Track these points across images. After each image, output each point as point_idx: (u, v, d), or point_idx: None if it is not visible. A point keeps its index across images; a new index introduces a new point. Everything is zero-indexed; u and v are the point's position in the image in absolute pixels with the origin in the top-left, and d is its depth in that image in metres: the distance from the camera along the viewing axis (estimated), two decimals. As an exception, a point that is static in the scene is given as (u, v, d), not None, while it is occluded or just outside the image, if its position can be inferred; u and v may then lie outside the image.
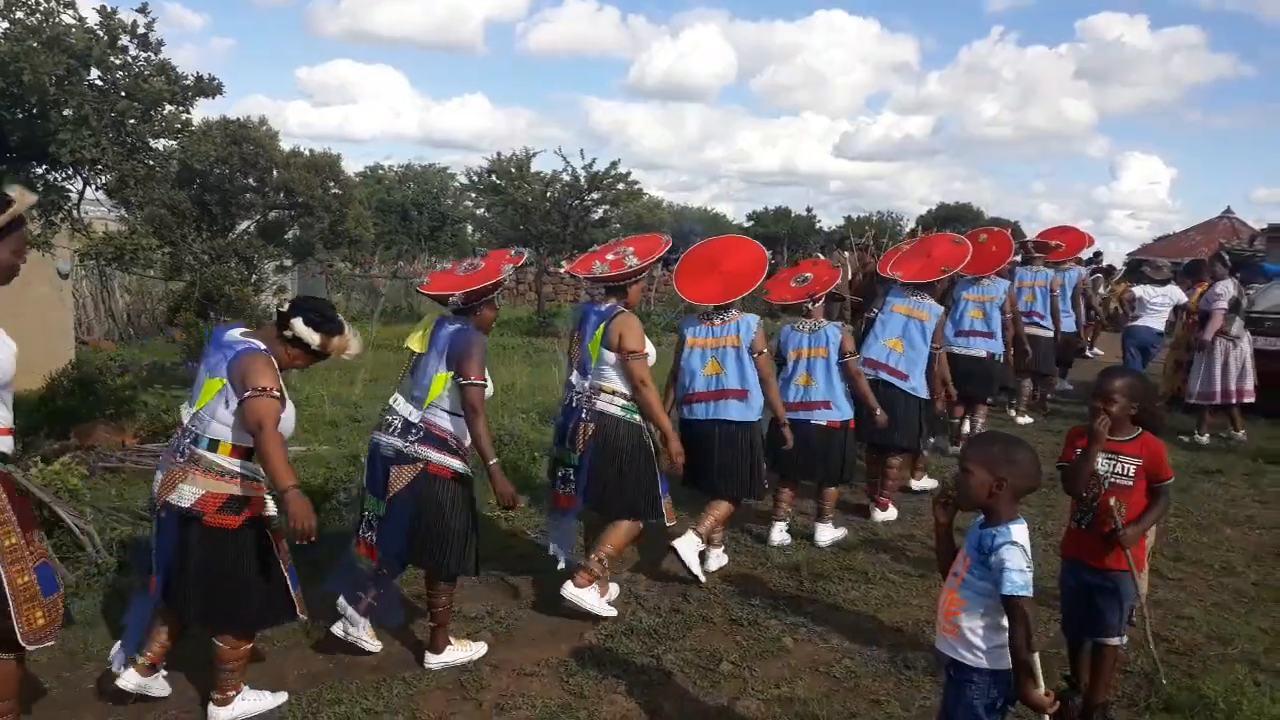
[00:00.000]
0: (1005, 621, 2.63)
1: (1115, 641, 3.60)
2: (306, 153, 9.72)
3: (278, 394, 3.42)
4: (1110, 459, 3.60)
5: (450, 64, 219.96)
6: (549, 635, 4.52)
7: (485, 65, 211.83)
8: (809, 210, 59.79)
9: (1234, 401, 9.17)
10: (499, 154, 18.37)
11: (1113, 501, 3.51)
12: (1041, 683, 2.59)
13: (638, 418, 4.77)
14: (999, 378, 8.28)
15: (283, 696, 3.82)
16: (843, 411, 5.81)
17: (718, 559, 5.46)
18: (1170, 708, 3.77)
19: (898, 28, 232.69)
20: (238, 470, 3.48)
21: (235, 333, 3.62)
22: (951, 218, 44.00)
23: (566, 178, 18.13)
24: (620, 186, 18.13)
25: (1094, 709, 3.64)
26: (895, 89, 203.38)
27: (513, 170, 18.28)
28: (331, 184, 9.90)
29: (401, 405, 4.14)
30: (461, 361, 4.01)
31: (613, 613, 4.72)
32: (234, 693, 3.66)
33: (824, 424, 5.77)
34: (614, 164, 17.99)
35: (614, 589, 4.96)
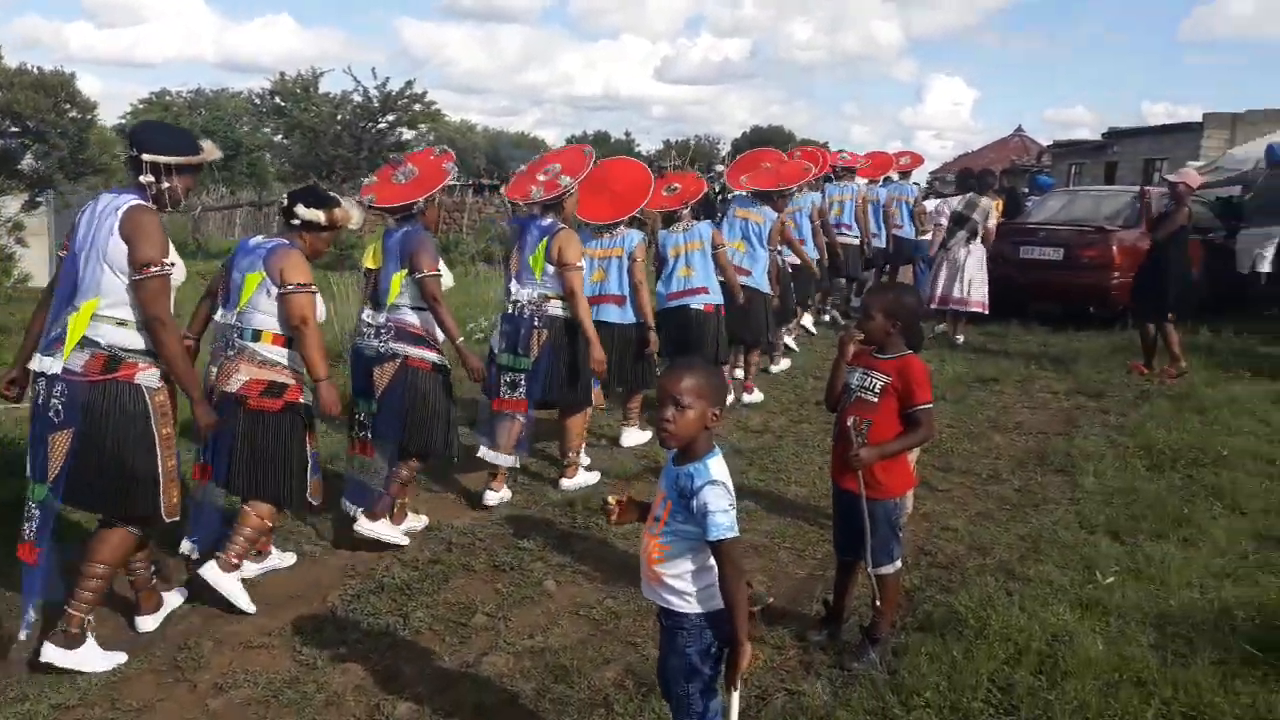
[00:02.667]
0: (714, 561, 2.41)
1: (883, 571, 3.48)
2: (34, 70, 8.58)
3: (313, 288, 3.88)
4: (864, 374, 3.44)
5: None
6: (288, 601, 4.10)
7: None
8: (628, 134, 59.49)
9: (957, 309, 9.72)
10: (282, 74, 17.08)
11: (850, 420, 3.36)
12: (744, 631, 2.40)
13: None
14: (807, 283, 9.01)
15: (292, 558, 4.38)
16: (717, 296, 6.51)
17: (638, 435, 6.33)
18: (925, 626, 3.72)
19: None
20: (279, 360, 3.93)
21: (258, 238, 4.13)
22: (764, 140, 44.47)
23: (358, 99, 17.04)
24: (417, 107, 17.19)
25: (869, 636, 3.53)
26: (712, 11, 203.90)
27: (298, 91, 17.03)
28: (68, 107, 8.80)
29: (368, 314, 4.60)
30: (414, 257, 4.45)
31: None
32: (237, 562, 3.96)
33: (702, 308, 6.45)
34: (409, 83, 17.12)
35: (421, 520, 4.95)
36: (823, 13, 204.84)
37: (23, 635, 3.52)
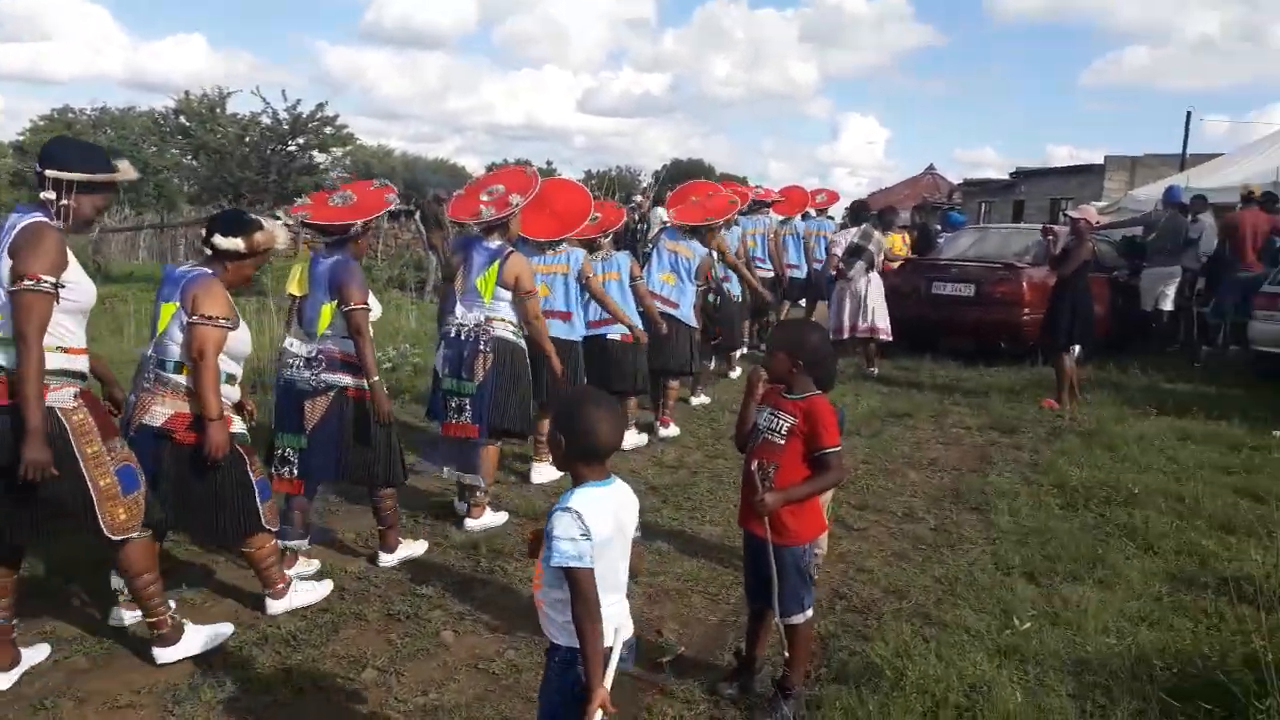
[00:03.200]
0: None
1: (793, 620, 3.30)
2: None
3: (223, 322, 3.72)
4: (771, 414, 3.28)
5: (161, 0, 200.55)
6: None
7: (202, 2, 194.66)
8: (549, 163, 59.44)
9: (862, 338, 9.83)
10: (187, 93, 16.44)
11: (755, 464, 3.20)
12: (605, 669, 2.31)
13: (524, 341, 5.25)
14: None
15: (329, 586, 4.26)
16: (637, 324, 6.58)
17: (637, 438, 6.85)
18: (840, 677, 3.56)
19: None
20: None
21: (185, 266, 3.92)
22: (685, 174, 44.83)
23: (267, 120, 16.53)
24: (328, 130, 16.74)
25: (782, 689, 3.35)
26: (634, 46, 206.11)
27: (204, 111, 16.46)
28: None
29: (296, 346, 4.45)
30: (343, 289, 4.31)
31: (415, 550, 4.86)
32: (282, 584, 4.06)
33: (619, 337, 6.54)
34: (320, 106, 16.64)
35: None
36: (742, 51, 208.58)
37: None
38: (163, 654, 3.64)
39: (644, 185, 26.71)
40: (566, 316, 6.03)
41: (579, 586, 2.27)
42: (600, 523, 2.33)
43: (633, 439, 6.79)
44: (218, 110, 16.65)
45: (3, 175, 29.40)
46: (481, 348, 5.05)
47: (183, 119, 16.71)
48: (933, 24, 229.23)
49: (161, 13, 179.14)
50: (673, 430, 7.32)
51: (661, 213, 10.83)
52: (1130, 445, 6.87)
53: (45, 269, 3.14)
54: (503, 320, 5.12)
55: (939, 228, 14.61)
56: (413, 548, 4.80)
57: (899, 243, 12.05)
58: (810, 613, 3.37)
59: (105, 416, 3.48)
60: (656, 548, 4.88)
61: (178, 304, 3.73)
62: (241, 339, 3.86)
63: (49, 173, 3.25)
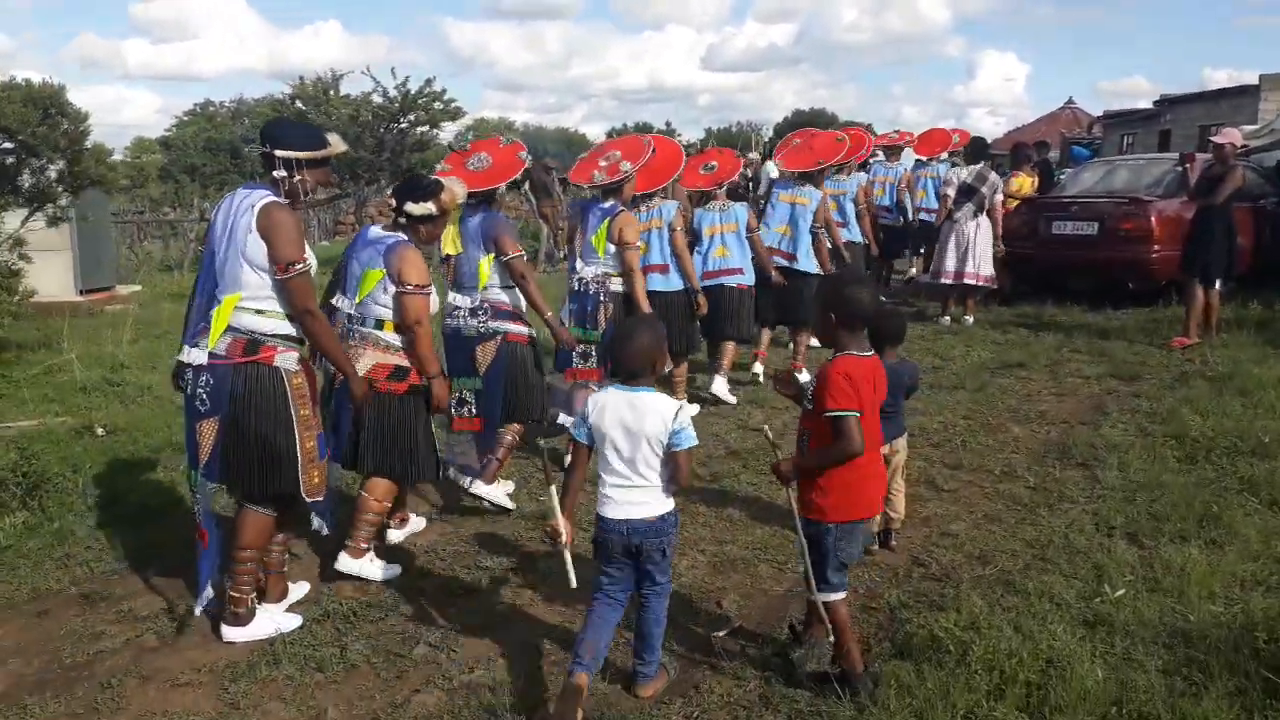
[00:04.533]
0: None
1: (827, 598, 3.09)
2: (23, 84, 8.46)
3: (427, 289, 4.05)
4: (812, 379, 3.06)
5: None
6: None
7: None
8: (668, 124, 59.08)
9: (965, 284, 9.31)
10: (301, 78, 16.89)
11: (767, 428, 3.02)
12: None
13: None
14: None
15: (397, 569, 4.26)
16: (750, 278, 6.73)
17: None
18: (904, 651, 3.32)
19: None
20: (401, 345, 4.10)
21: (376, 229, 4.23)
22: (807, 123, 43.76)
23: (378, 99, 16.83)
24: (437, 105, 16.93)
25: (844, 676, 3.13)
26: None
27: (318, 95, 16.88)
28: (60, 119, 8.67)
29: (459, 299, 4.83)
30: (499, 241, 4.69)
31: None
32: (366, 547, 4.18)
33: (736, 286, 6.67)
34: (428, 82, 16.78)
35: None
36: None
37: (197, 610, 3.77)
38: (231, 633, 3.70)
39: (765, 140, 26.07)
40: (664, 270, 6.19)
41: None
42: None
43: (723, 390, 6.82)
44: (330, 93, 17.07)
45: (152, 170, 31.13)
46: (602, 299, 5.47)
47: (299, 104, 17.19)
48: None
49: (299, 1, 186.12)
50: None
51: (771, 168, 10.53)
52: (1268, 390, 6.27)
53: (299, 249, 3.49)
54: (618, 275, 5.52)
55: (1058, 164, 13.72)
56: (503, 492, 4.94)
57: (1028, 184, 11.30)
58: (842, 595, 3.14)
59: (315, 384, 3.76)
60: (728, 515, 4.72)
61: (382, 271, 4.03)
62: (434, 300, 4.19)
63: (279, 153, 3.52)
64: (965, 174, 9.29)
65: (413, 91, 16.75)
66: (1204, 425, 5.58)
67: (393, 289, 4.03)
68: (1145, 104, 30.48)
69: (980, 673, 3.05)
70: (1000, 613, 3.52)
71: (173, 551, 4.39)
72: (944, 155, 11.19)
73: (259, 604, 3.81)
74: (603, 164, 5.62)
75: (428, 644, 3.66)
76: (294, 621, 3.81)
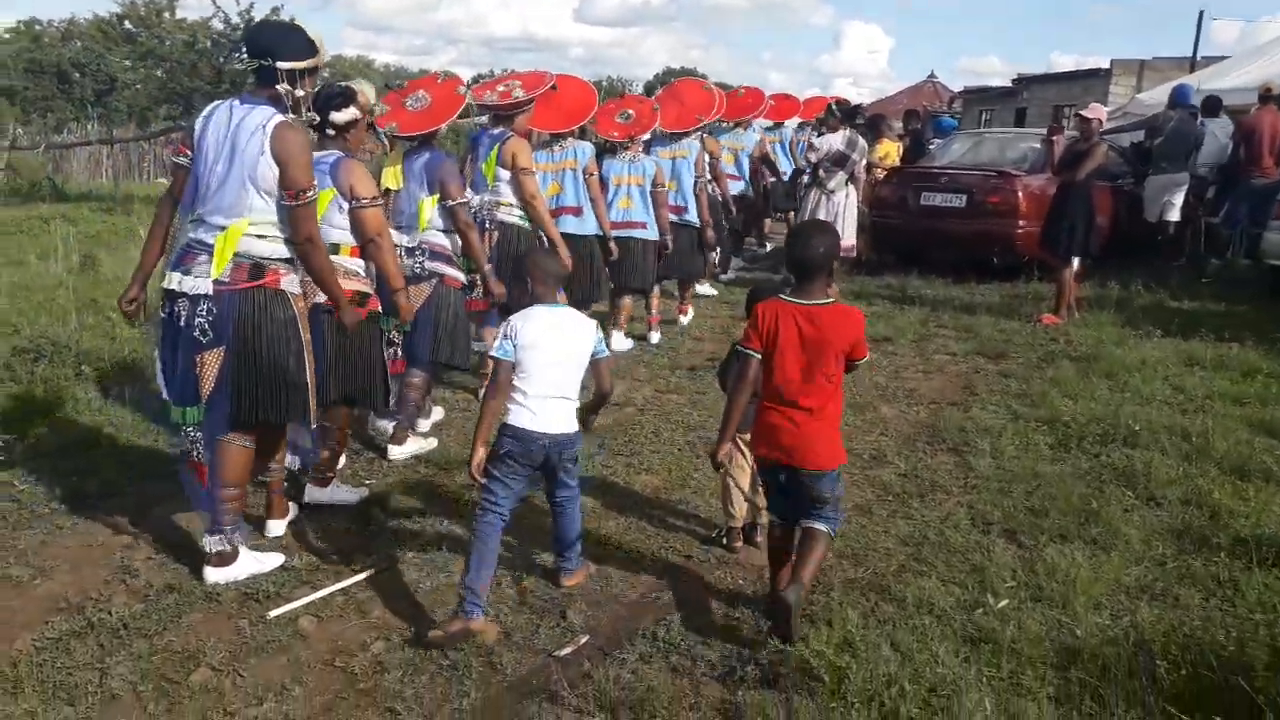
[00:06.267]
0: None
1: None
2: None
3: (380, 200, 4.00)
4: None
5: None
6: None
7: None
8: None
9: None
10: (132, -1, 15.28)
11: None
12: None
13: (529, 224, 5.47)
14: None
15: (433, 443, 4.77)
16: (653, 233, 6.71)
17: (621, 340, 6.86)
18: (770, 679, 2.90)
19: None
20: (359, 270, 3.98)
21: (315, 153, 3.74)
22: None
23: (219, 25, 15.43)
24: (283, 37, 15.58)
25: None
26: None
27: (150, 17, 15.34)
28: None
29: (397, 236, 4.55)
30: (444, 185, 4.62)
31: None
32: (332, 475, 4.17)
33: (639, 239, 6.64)
34: (275, 10, 15.46)
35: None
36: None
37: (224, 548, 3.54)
38: (215, 574, 3.49)
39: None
40: (578, 211, 6.13)
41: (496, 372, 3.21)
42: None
43: (621, 342, 6.88)
44: (165, 15, 15.53)
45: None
46: (488, 227, 5.34)
47: (127, 24, 15.58)
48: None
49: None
50: (688, 316, 7.87)
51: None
52: (1131, 373, 6.16)
53: (310, 177, 3.32)
54: (507, 205, 5.40)
55: (930, 135, 13.67)
56: (424, 444, 4.84)
57: (894, 152, 11.15)
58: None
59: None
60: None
61: (331, 190, 3.84)
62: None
63: (282, 65, 3.24)
64: (838, 141, 8.88)
65: (257, 20, 15.40)
66: (1074, 409, 5.39)
67: (346, 207, 3.88)
68: (1001, 82, 31.43)
69: (859, 705, 2.65)
70: (876, 626, 3.14)
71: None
72: (790, 121, 11.54)
73: (249, 539, 3.72)
74: (500, 89, 5.47)
75: (209, 665, 3.03)
76: (275, 561, 3.62)
